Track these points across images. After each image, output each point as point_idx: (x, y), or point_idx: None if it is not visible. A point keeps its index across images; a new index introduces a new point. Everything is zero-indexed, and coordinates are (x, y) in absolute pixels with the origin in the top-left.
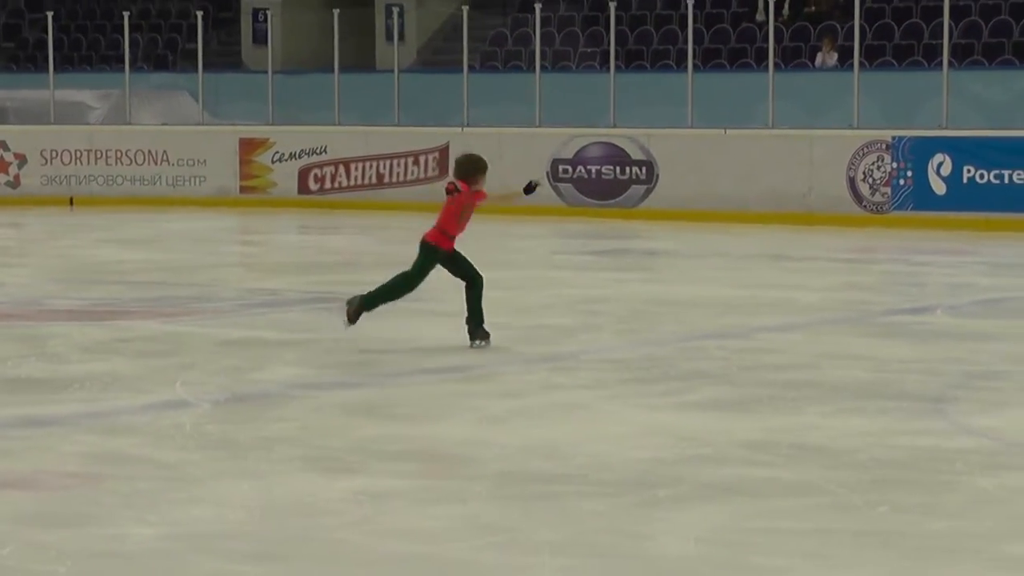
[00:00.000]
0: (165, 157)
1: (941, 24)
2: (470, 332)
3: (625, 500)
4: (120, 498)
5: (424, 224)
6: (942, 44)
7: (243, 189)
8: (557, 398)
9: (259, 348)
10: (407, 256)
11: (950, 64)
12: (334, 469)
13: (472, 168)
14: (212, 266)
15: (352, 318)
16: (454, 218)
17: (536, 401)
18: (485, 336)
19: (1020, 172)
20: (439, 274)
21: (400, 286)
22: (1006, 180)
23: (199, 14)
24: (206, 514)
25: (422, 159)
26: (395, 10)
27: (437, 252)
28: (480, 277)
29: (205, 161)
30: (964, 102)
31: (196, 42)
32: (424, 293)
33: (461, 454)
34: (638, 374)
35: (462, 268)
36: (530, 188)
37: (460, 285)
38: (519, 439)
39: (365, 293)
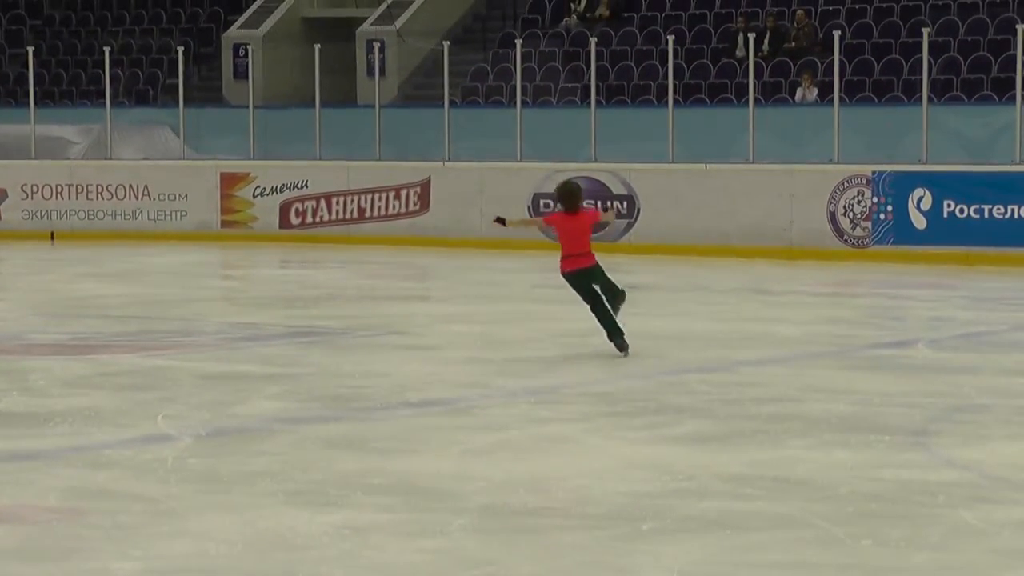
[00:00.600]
0: (146, 191)
1: (920, 60)
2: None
3: (608, 533)
4: (102, 532)
5: (405, 258)
6: (922, 79)
7: (224, 223)
8: (539, 431)
9: (241, 382)
10: (388, 290)
11: (930, 99)
12: (316, 503)
13: (578, 193)
14: (193, 300)
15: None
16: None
17: (518, 434)
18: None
19: (1000, 207)
20: (421, 309)
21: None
22: (986, 215)
23: (180, 49)
24: (188, 548)
25: (403, 193)
26: (376, 45)
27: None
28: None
29: (186, 195)
30: (944, 137)
31: (177, 77)
32: (406, 327)
33: (443, 488)
34: (620, 407)
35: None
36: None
37: (442, 319)
38: (501, 472)
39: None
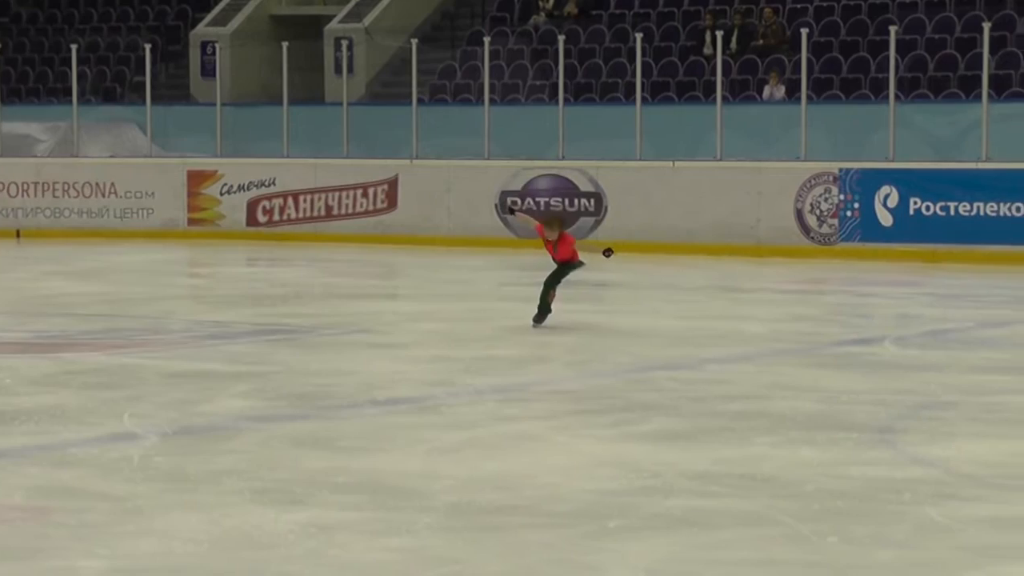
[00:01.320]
0: (113, 189)
1: (887, 58)
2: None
3: (575, 531)
4: (68, 531)
5: (372, 256)
6: (889, 77)
7: (191, 221)
8: (507, 429)
9: (208, 380)
10: (356, 288)
11: (896, 97)
12: (283, 501)
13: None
14: (160, 298)
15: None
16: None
17: (486, 433)
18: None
19: (966, 204)
20: (389, 307)
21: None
22: (952, 212)
23: (147, 47)
24: (155, 547)
25: (371, 191)
26: (344, 43)
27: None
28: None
29: (153, 193)
30: (911, 135)
31: (144, 75)
32: (373, 325)
33: (410, 486)
34: (588, 405)
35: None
36: (607, 252)
37: (409, 317)
38: (468, 471)
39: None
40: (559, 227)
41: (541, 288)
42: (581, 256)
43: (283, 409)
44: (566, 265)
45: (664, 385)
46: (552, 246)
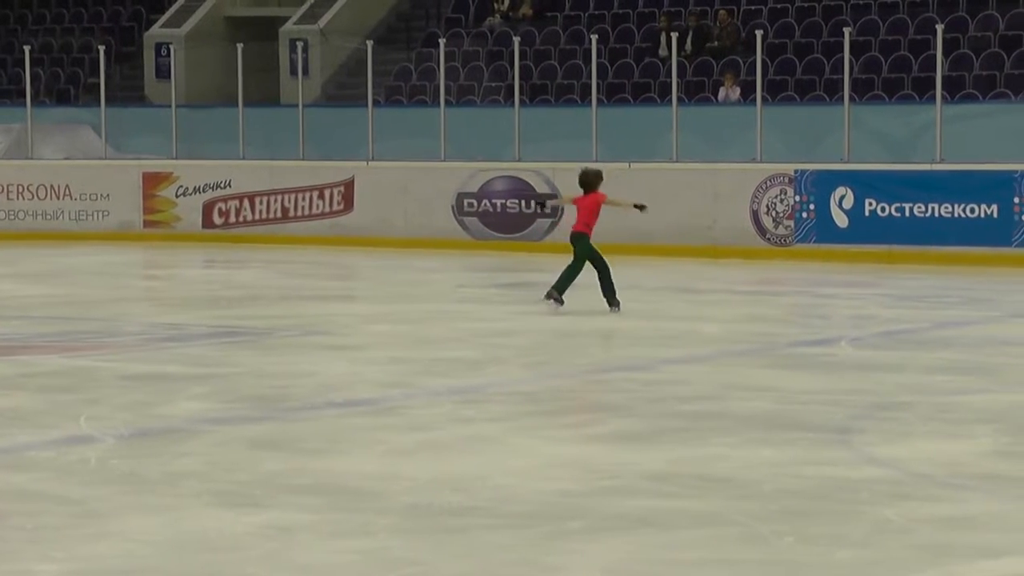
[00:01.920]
0: (68, 191)
1: (842, 59)
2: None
3: (534, 532)
4: (25, 534)
5: (329, 258)
6: (843, 79)
7: (147, 223)
8: (464, 431)
9: (164, 382)
10: (313, 290)
11: (851, 99)
12: (241, 504)
13: (596, 179)
14: (116, 300)
15: (558, 300)
16: (593, 215)
17: (443, 434)
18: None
19: (921, 205)
20: (346, 309)
21: (573, 272)
22: (907, 213)
23: (102, 48)
24: (113, 550)
25: (327, 193)
26: (299, 45)
27: (587, 237)
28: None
29: (108, 195)
30: (865, 136)
31: (99, 76)
32: (330, 327)
33: (369, 488)
34: (545, 406)
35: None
36: (641, 207)
37: (366, 318)
38: (427, 472)
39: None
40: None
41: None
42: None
43: (241, 411)
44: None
45: (622, 386)
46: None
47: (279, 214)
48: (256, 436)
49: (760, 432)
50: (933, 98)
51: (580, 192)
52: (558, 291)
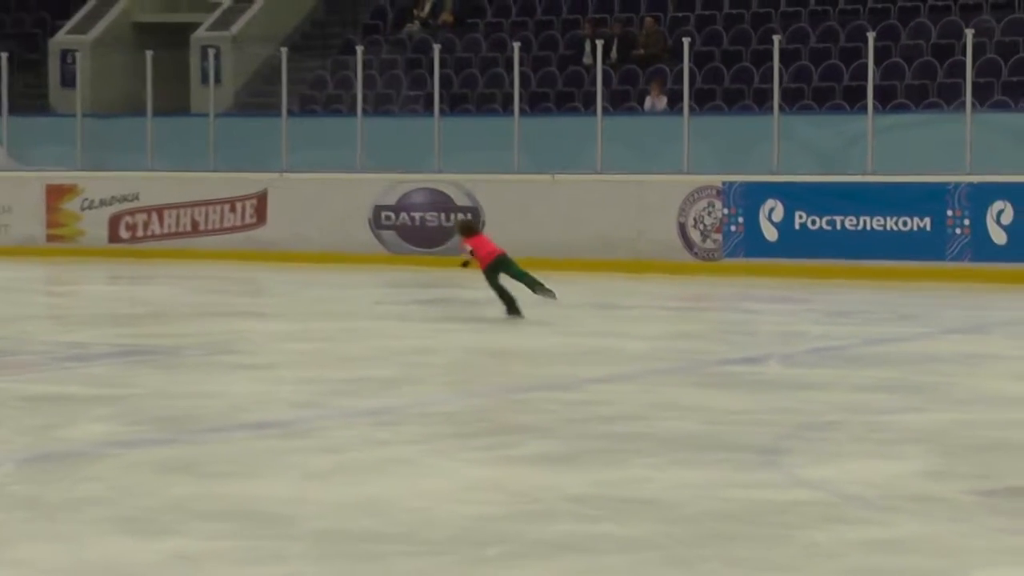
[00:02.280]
0: None
1: (771, 68)
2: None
3: (452, 559)
4: None
5: (240, 273)
6: (772, 88)
7: (50, 238)
8: (380, 453)
9: (67, 404)
10: (222, 306)
11: (781, 108)
12: (148, 530)
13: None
14: (17, 318)
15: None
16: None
17: (358, 457)
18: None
19: (852, 218)
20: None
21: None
22: (838, 226)
23: (4, 55)
24: None
25: (239, 206)
26: (211, 52)
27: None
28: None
29: (10, 208)
30: (795, 147)
31: (0, 84)
32: (241, 345)
33: (281, 512)
34: (463, 427)
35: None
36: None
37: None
38: (341, 496)
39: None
40: (461, 233)
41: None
42: (452, 269)
43: (147, 434)
44: (487, 269)
45: (543, 406)
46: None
47: (189, 228)
48: (163, 460)
49: (685, 453)
50: (864, 108)
51: (474, 233)
52: (539, 287)
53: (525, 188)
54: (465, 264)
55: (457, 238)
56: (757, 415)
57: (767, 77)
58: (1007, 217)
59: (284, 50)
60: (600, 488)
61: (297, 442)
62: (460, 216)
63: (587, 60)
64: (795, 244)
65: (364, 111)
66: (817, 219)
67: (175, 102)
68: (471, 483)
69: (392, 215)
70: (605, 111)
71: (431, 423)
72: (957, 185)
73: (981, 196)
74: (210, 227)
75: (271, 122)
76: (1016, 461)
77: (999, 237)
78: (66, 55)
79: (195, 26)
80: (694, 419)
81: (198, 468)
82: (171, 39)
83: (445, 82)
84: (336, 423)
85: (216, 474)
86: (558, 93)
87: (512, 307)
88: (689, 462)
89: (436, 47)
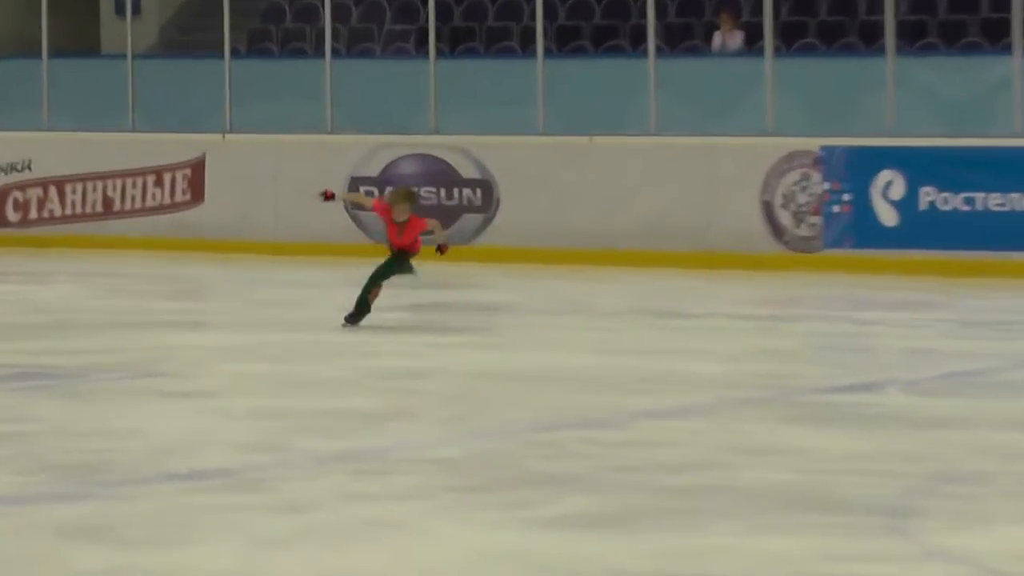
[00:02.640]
0: None
1: None
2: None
3: None
4: None
5: (169, 269)
6: (885, 21)
7: None
8: (359, 513)
9: None
10: (145, 314)
11: (898, 48)
12: None
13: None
14: None
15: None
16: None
17: (329, 517)
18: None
19: (997, 195)
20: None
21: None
22: (979, 206)
23: None
24: None
25: (167, 178)
26: None
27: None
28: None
29: None
30: (918, 99)
31: None
32: (169, 366)
33: None
34: (472, 479)
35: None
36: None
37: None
38: (307, 570)
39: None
40: (412, 205)
41: (365, 281)
42: (452, 263)
43: (44, 486)
44: (403, 254)
45: (578, 449)
46: (397, 229)
47: (99, 207)
48: (68, 521)
49: (776, 515)
50: (1009, 47)
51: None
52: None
53: (552, 155)
54: (440, 249)
55: (401, 208)
56: (873, 462)
57: (877, 6)
58: None
59: None
60: (658, 561)
61: (246, 497)
62: (404, 186)
63: None
64: (921, 230)
65: (334, 51)
66: (950, 196)
67: (80, 40)
68: (482, 553)
69: (374, 190)
70: (660, 52)
71: (428, 473)
72: None
73: None
74: (128, 207)
75: (210, 65)
76: None
77: None
78: None
79: None
80: (786, 467)
81: (113, 532)
82: None
83: (443, 13)
84: (299, 472)
85: (136, 541)
86: (596, 27)
87: (357, 317)
88: (780, 527)
89: None
